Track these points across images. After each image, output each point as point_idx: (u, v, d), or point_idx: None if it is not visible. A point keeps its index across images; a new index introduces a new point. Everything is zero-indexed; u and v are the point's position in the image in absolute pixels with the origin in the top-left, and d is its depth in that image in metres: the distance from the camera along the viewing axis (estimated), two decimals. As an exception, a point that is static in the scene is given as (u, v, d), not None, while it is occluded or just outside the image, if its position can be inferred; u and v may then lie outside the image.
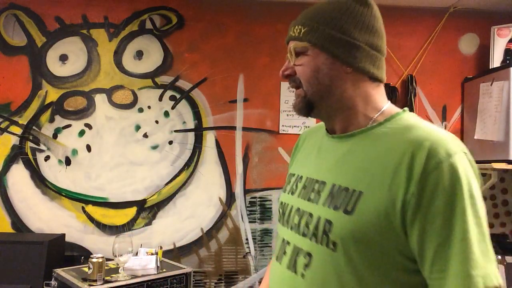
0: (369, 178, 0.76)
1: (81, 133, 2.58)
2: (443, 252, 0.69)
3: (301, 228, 0.83)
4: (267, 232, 2.66)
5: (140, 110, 2.62)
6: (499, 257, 2.27)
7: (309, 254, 0.80)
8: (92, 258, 1.87)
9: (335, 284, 0.76)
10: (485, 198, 2.68)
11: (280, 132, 2.66)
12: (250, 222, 2.63)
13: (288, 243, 0.86)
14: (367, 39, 0.83)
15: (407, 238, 0.72)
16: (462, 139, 2.71)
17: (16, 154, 2.54)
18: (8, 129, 2.54)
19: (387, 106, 0.87)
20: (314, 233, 0.80)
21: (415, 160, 0.72)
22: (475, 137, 2.51)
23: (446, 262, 0.68)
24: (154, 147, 2.61)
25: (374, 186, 0.75)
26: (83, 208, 2.56)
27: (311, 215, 0.82)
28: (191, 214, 2.61)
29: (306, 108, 0.87)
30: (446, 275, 0.68)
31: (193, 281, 2.18)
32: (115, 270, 2.02)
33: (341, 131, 0.87)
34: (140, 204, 2.59)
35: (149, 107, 2.62)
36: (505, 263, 2.26)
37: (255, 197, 2.65)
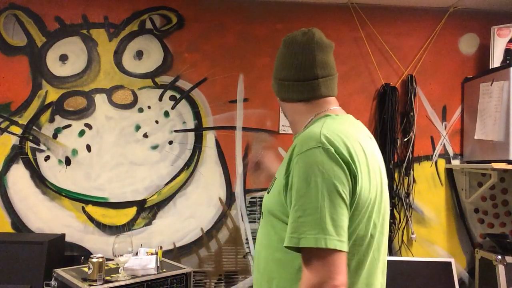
0: (280, 169, 1.06)
1: (81, 133, 2.58)
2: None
3: None
4: (267, 232, 2.65)
5: (140, 110, 2.62)
6: (499, 257, 2.27)
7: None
8: (92, 258, 1.87)
9: (263, 237, 1.11)
10: (485, 198, 2.70)
11: (280, 132, 2.66)
12: (250, 222, 2.63)
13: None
14: (285, 75, 1.13)
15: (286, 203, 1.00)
16: (462, 139, 2.71)
17: (16, 154, 2.54)
18: (8, 129, 2.54)
19: (316, 114, 1.13)
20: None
21: (290, 156, 1.00)
22: (475, 137, 2.52)
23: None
24: (154, 147, 2.61)
25: (279, 174, 1.05)
26: (83, 208, 2.56)
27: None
28: (191, 214, 2.61)
29: (293, 133, 1.22)
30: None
31: (193, 281, 2.18)
32: (115, 270, 2.02)
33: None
34: (140, 204, 2.59)
35: (149, 107, 2.62)
36: (505, 263, 2.26)
37: (255, 197, 2.65)
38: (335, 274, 0.87)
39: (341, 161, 0.92)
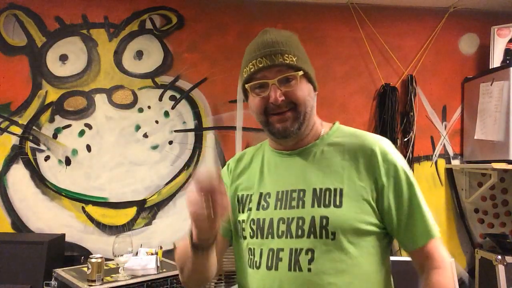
0: (344, 177, 0.96)
1: (81, 133, 2.58)
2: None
3: (293, 231, 0.96)
4: (267, 232, 2.65)
5: (140, 110, 2.62)
6: (499, 257, 2.27)
7: (311, 250, 0.93)
8: (91, 258, 1.87)
9: (336, 267, 0.92)
10: (485, 198, 2.69)
11: (280, 132, 2.66)
12: (250, 222, 2.63)
13: (281, 249, 0.96)
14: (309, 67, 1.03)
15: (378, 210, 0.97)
16: (462, 139, 2.71)
17: (16, 154, 2.54)
18: (8, 129, 2.54)
19: (320, 120, 1.09)
20: (312, 231, 0.94)
21: (374, 157, 0.98)
22: (475, 137, 2.52)
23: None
24: (154, 147, 2.61)
25: (349, 182, 0.96)
26: (83, 208, 2.56)
27: (301, 218, 0.95)
28: (191, 214, 2.61)
29: (299, 128, 1.00)
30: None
31: (193, 281, 2.17)
32: (115, 270, 2.02)
33: (295, 146, 1.05)
34: (140, 204, 2.59)
35: (149, 107, 2.62)
36: (505, 263, 2.26)
37: (255, 197, 2.64)
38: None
39: None
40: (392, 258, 2.62)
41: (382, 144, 1.01)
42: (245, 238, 1.03)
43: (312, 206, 0.95)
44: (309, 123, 1.03)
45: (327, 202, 0.95)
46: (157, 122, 2.62)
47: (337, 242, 0.92)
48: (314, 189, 0.97)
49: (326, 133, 1.06)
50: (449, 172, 2.71)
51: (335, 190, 0.95)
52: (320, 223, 0.93)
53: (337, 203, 0.94)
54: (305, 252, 0.93)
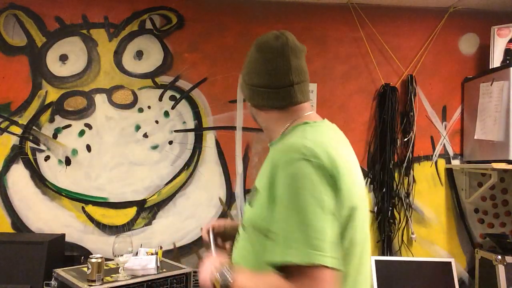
0: (260, 180, 1.01)
1: (81, 133, 2.58)
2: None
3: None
4: (267, 232, 2.65)
5: (140, 110, 2.62)
6: (499, 257, 2.27)
7: (239, 238, 1.11)
8: (91, 258, 1.87)
9: (244, 250, 1.06)
10: (485, 198, 2.69)
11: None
12: (250, 222, 2.63)
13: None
14: (258, 82, 1.09)
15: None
16: (462, 139, 2.71)
17: (16, 154, 2.54)
18: (8, 129, 2.54)
19: (292, 122, 1.09)
20: (241, 223, 1.10)
21: (271, 167, 0.96)
22: (475, 137, 2.51)
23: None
24: (154, 147, 2.61)
25: (261, 186, 0.99)
26: (83, 208, 2.56)
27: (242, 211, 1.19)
28: (191, 214, 2.61)
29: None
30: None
31: (193, 281, 2.18)
32: (115, 270, 2.02)
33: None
34: (140, 204, 2.59)
35: (149, 107, 2.62)
36: (505, 263, 2.26)
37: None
38: None
39: (326, 173, 0.89)
40: (392, 258, 2.63)
41: (283, 159, 0.93)
42: None
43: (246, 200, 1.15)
44: (267, 131, 1.16)
45: (249, 199, 1.06)
46: (157, 122, 2.62)
47: (246, 234, 1.05)
48: (255, 188, 1.05)
49: (279, 136, 1.11)
50: (449, 172, 2.71)
51: (256, 189, 1.02)
52: (243, 217, 1.10)
53: (252, 201, 1.02)
54: (239, 239, 1.11)
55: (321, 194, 0.87)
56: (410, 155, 2.65)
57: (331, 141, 0.99)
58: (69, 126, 2.58)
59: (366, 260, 1.03)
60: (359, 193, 0.98)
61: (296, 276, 0.84)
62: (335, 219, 0.88)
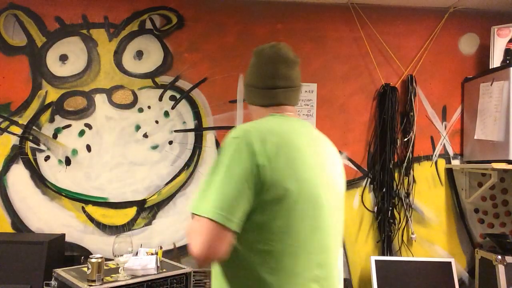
0: None
1: (81, 133, 2.58)
2: None
3: None
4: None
5: (140, 110, 2.62)
6: (499, 257, 2.27)
7: None
8: (91, 258, 1.87)
9: None
10: (485, 198, 2.69)
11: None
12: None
13: None
14: (251, 82, 1.27)
15: None
16: (462, 139, 2.71)
17: (16, 154, 2.54)
18: (8, 129, 2.54)
19: (267, 117, 1.22)
20: None
21: None
22: (475, 137, 2.52)
23: None
24: (154, 147, 2.61)
25: None
26: (83, 208, 2.56)
27: None
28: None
29: None
30: None
31: (193, 281, 2.18)
32: (115, 270, 2.02)
33: None
34: (140, 204, 2.59)
35: (149, 107, 2.62)
36: (505, 263, 2.26)
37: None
38: (208, 243, 0.97)
39: (253, 152, 1.02)
40: (392, 258, 2.63)
41: (226, 138, 1.11)
42: None
43: None
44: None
45: None
46: (157, 122, 2.62)
47: None
48: None
49: None
50: (449, 172, 2.71)
51: None
52: None
53: None
54: None
55: (235, 165, 1.01)
56: (410, 155, 2.65)
57: (278, 128, 1.12)
58: (69, 126, 2.58)
59: (302, 250, 1.07)
60: (306, 180, 1.07)
61: (196, 224, 1.01)
62: (246, 188, 1.00)
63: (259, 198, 1.02)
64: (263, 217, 1.03)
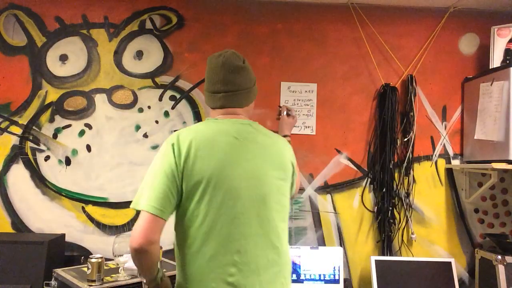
0: None
1: (81, 133, 2.58)
2: None
3: None
4: (267, 232, 2.65)
5: (140, 110, 2.62)
6: (499, 257, 2.27)
7: None
8: (91, 258, 1.87)
9: None
10: (485, 198, 2.69)
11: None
12: (250, 222, 2.63)
13: None
14: (205, 87, 1.44)
15: None
16: (462, 139, 2.71)
17: (16, 154, 2.54)
18: (8, 129, 2.54)
19: (203, 122, 1.41)
20: None
21: None
22: (475, 137, 2.52)
23: None
24: (154, 147, 2.61)
25: None
26: (83, 208, 2.56)
27: None
28: (191, 214, 2.61)
29: None
30: None
31: (193, 281, 2.17)
32: (115, 270, 2.02)
33: None
34: (140, 204, 2.59)
35: (149, 107, 2.62)
36: (505, 263, 2.26)
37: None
38: (145, 231, 1.21)
39: (177, 151, 1.23)
40: (392, 258, 2.63)
41: None
42: None
43: None
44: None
45: None
46: (157, 122, 2.62)
47: None
48: None
49: None
50: (449, 172, 2.71)
51: None
52: None
53: None
54: None
55: (163, 163, 1.24)
56: (410, 155, 2.65)
57: (203, 129, 1.31)
58: (69, 126, 2.58)
59: (237, 237, 1.24)
60: (222, 174, 1.23)
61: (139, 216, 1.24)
62: (173, 181, 1.23)
63: (182, 190, 1.23)
64: (186, 205, 1.25)
